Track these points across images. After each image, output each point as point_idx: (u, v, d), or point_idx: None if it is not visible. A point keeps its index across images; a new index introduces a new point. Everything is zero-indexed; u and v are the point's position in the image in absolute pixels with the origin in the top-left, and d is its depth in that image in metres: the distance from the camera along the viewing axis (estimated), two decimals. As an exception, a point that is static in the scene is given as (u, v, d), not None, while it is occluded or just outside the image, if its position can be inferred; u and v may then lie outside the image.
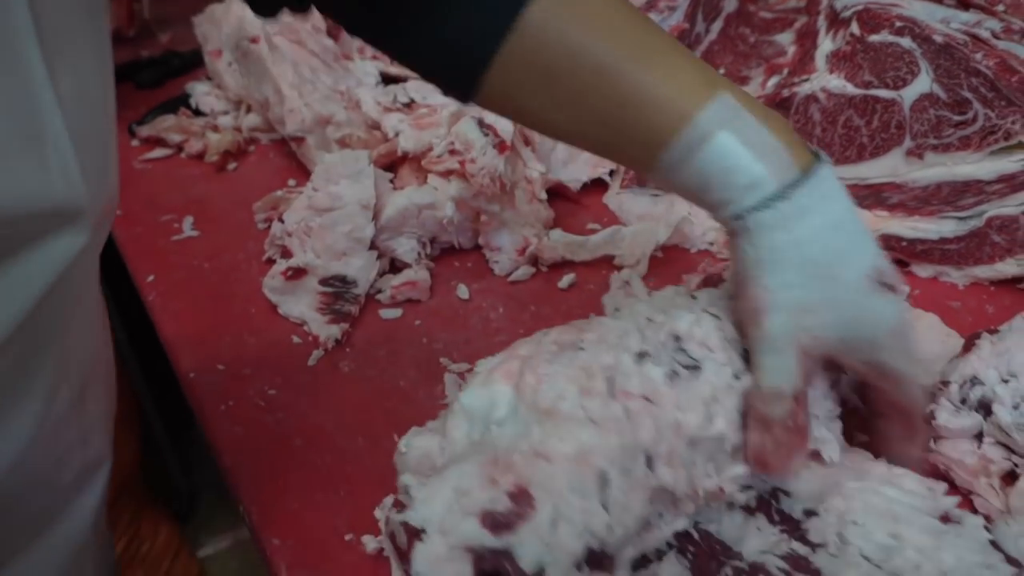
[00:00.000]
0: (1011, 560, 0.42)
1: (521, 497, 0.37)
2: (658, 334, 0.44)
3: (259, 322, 0.66)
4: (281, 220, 0.67)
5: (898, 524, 0.43)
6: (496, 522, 0.36)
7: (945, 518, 0.45)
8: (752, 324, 0.43)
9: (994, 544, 0.43)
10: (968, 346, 0.55)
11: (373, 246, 0.67)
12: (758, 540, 0.44)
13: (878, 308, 0.43)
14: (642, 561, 0.42)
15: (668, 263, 0.70)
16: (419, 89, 0.80)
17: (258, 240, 0.73)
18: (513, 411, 0.40)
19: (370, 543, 0.46)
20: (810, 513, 0.45)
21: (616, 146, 0.46)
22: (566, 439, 0.39)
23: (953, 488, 0.50)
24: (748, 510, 0.45)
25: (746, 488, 0.44)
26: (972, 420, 0.52)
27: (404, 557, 0.36)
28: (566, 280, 0.68)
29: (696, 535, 0.44)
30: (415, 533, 0.36)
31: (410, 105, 0.78)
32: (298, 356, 0.62)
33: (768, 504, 0.46)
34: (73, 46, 0.32)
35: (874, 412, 0.50)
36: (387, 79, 0.89)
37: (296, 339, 0.64)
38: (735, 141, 0.41)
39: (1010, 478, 0.51)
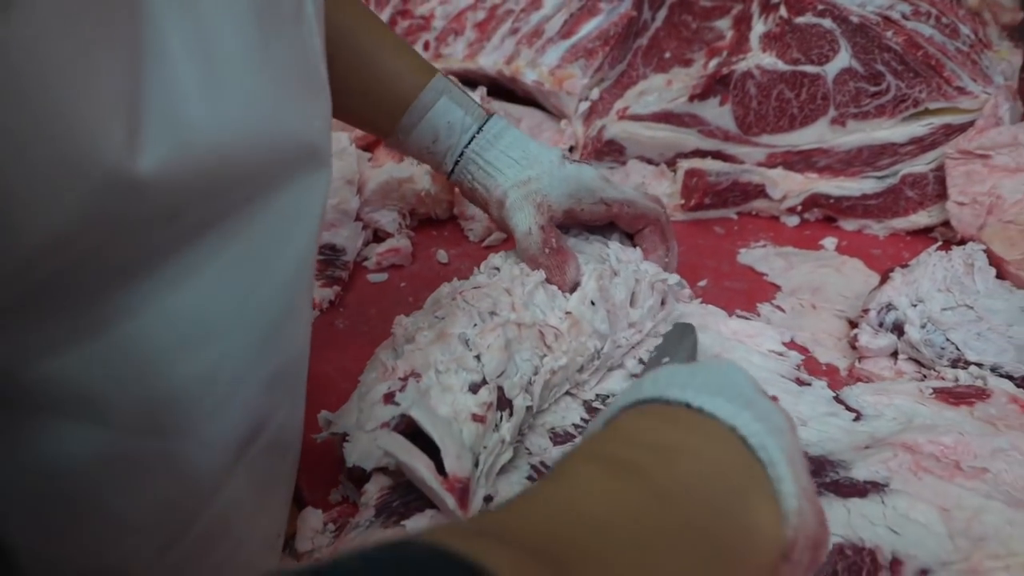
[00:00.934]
0: (851, 409, 0.54)
1: (410, 375, 0.49)
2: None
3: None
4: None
5: (764, 386, 0.54)
6: (394, 395, 0.49)
7: (800, 382, 0.57)
8: (500, 208, 0.60)
9: (837, 399, 0.55)
10: (883, 279, 0.64)
11: (358, 218, 0.73)
12: None
13: (574, 172, 0.61)
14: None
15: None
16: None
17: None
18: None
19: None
20: None
21: (367, 115, 0.63)
22: (429, 330, 0.53)
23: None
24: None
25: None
26: (888, 340, 0.61)
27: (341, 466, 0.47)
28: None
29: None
30: (342, 437, 0.48)
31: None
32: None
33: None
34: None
35: (635, 235, 0.65)
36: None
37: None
38: (452, 103, 0.61)
39: (921, 388, 0.60)
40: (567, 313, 0.56)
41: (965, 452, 0.49)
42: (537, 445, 0.52)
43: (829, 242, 0.75)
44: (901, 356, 0.61)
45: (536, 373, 0.52)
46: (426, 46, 0.96)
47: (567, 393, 0.56)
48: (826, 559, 0.41)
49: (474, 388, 0.48)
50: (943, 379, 0.58)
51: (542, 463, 0.50)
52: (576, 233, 0.64)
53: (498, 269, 0.59)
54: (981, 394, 0.53)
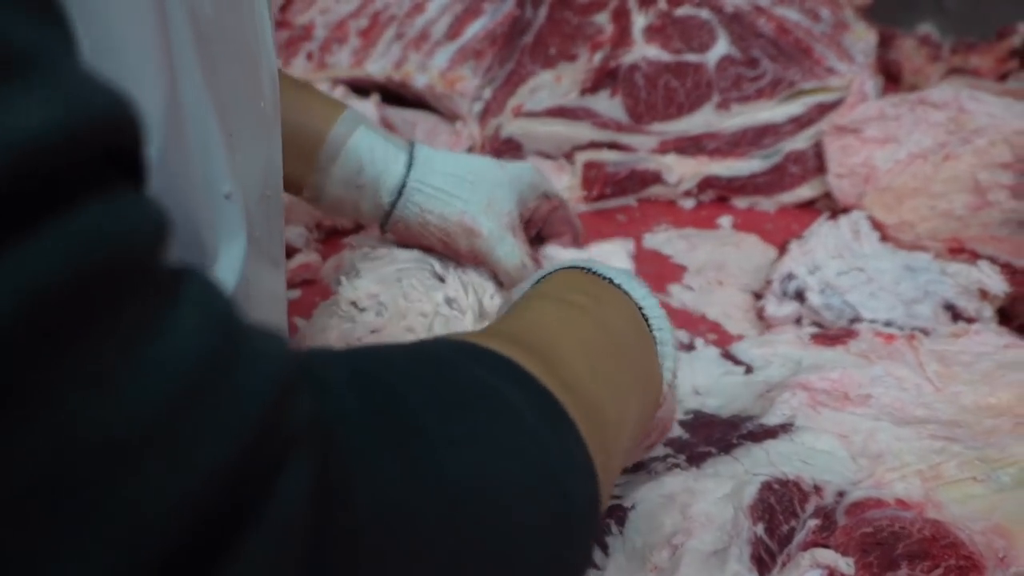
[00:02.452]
0: (741, 363, 0.58)
1: None
2: None
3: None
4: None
5: None
6: None
7: (686, 346, 0.61)
8: (472, 238, 0.56)
9: (726, 356, 0.59)
10: (782, 251, 0.69)
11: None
12: None
13: (516, 172, 0.60)
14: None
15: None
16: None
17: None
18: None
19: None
20: None
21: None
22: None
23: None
24: None
25: None
26: (792, 308, 0.66)
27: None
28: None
29: None
30: None
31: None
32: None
33: None
34: None
35: (550, 235, 0.67)
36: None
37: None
38: (370, 131, 0.57)
39: (826, 351, 0.65)
40: None
41: (850, 383, 0.53)
42: None
43: (725, 220, 0.80)
44: (805, 321, 0.66)
45: None
46: (309, 56, 0.94)
47: None
48: (758, 497, 0.45)
49: None
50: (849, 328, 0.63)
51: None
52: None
53: (381, 303, 0.54)
54: (850, 334, 0.58)
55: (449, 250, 0.58)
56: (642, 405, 0.38)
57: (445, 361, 0.29)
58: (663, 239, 0.77)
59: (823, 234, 0.67)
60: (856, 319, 0.64)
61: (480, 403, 0.27)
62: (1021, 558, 0.43)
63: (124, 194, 0.17)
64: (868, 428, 0.49)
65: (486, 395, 0.28)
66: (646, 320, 0.41)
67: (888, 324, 0.63)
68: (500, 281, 0.58)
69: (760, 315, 0.67)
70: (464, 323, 0.53)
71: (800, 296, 0.65)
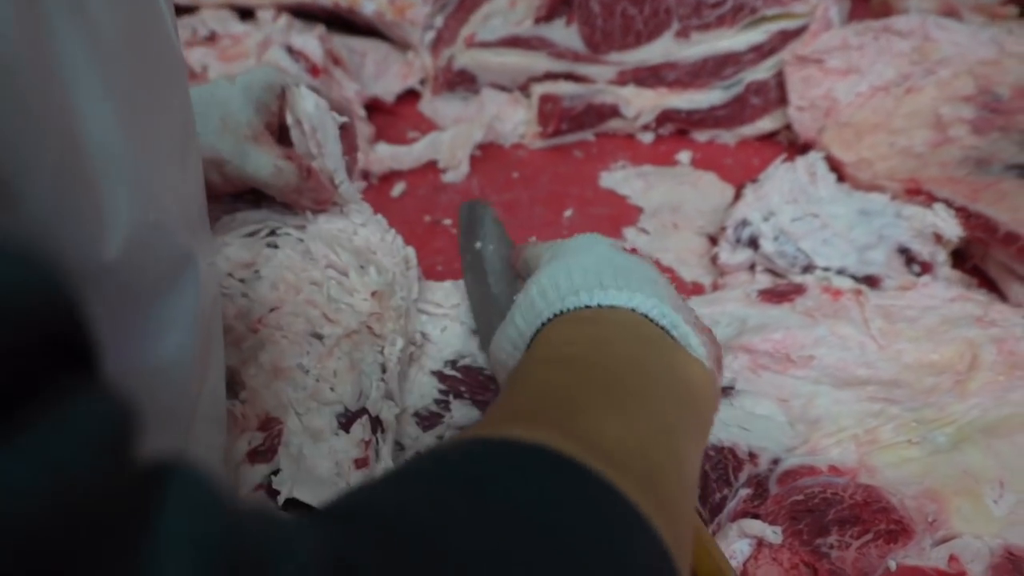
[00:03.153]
0: None
1: (267, 422, 0.47)
2: None
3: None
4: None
5: None
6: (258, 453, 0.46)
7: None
8: (219, 168, 0.51)
9: None
10: (737, 196, 0.67)
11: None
12: None
13: (246, 79, 0.54)
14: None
15: (486, 160, 0.77)
16: (219, 19, 0.80)
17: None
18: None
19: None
20: None
21: None
22: (253, 366, 0.48)
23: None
24: None
25: None
26: (745, 255, 0.65)
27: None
28: (398, 189, 0.74)
29: (459, 374, 0.55)
30: None
31: (213, 38, 0.79)
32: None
33: None
34: None
35: None
36: (178, 9, 0.87)
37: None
38: None
39: (778, 297, 0.65)
40: (372, 293, 0.52)
41: (793, 344, 0.53)
42: (407, 435, 0.51)
43: (684, 156, 0.78)
44: (758, 268, 0.65)
45: (385, 371, 0.48)
46: (250, -22, 0.88)
47: (419, 371, 0.54)
48: None
49: (343, 423, 0.45)
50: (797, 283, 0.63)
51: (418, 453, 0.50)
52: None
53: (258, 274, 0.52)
54: (798, 290, 0.58)
55: (231, 188, 0.54)
56: (683, 415, 0.34)
57: (478, 479, 0.24)
58: (620, 178, 0.75)
59: (779, 177, 0.66)
60: (809, 266, 0.63)
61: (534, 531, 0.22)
62: (950, 521, 0.44)
63: (72, 396, 0.14)
64: (808, 392, 0.49)
65: (535, 518, 0.23)
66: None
67: (841, 272, 0.63)
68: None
69: (714, 261, 0.66)
70: (352, 282, 0.52)
71: (754, 243, 0.65)
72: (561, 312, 0.37)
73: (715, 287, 0.66)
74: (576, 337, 0.35)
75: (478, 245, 0.58)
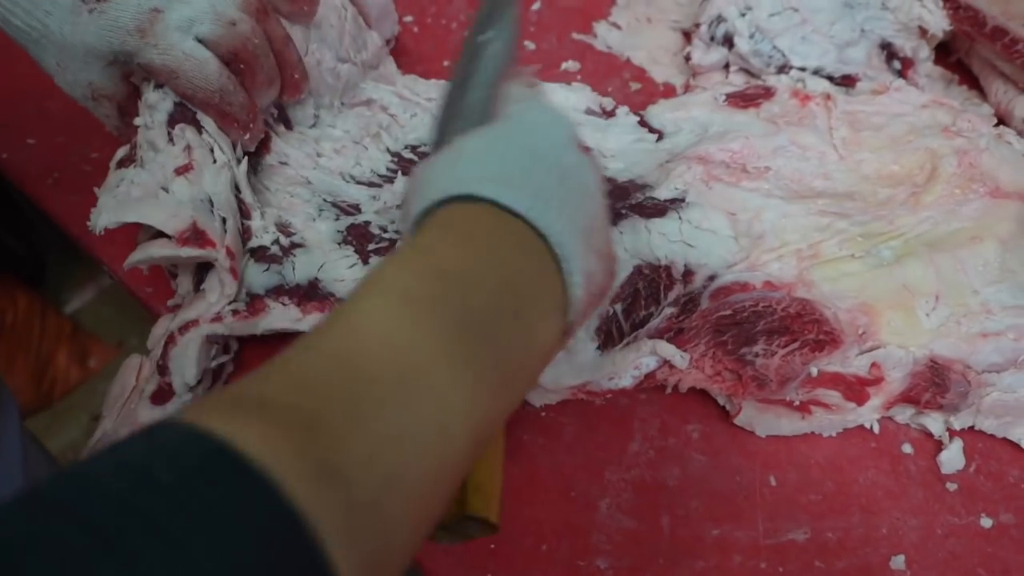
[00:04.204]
0: (653, 130, 0.57)
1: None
2: None
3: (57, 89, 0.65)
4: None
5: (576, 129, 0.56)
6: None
7: (605, 112, 0.58)
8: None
9: (641, 123, 0.58)
10: (714, -12, 0.64)
11: None
12: None
13: None
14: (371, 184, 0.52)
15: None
16: None
17: None
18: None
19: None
20: None
21: None
22: None
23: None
24: None
25: None
26: (720, 54, 0.63)
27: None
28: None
29: (417, 158, 0.55)
30: None
31: None
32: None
33: None
34: None
35: None
36: None
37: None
38: None
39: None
40: None
41: (750, 154, 0.54)
42: (326, 186, 0.52)
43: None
44: (732, 68, 0.64)
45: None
46: None
47: (375, 144, 0.55)
48: (627, 280, 0.48)
49: (171, 120, 0.47)
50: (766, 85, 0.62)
51: (343, 202, 0.51)
52: None
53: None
54: (766, 93, 0.58)
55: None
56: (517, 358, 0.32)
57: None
58: (591, -38, 0.71)
59: (760, -36, 0.62)
60: (785, 66, 0.62)
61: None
62: (880, 334, 0.47)
63: None
64: (757, 206, 0.50)
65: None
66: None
67: (817, 72, 0.61)
68: None
69: (687, 59, 0.64)
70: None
71: (728, 41, 0.62)
72: (447, 198, 0.34)
73: (687, 88, 0.65)
74: (441, 260, 0.32)
75: (482, 37, 0.53)
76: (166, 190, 0.45)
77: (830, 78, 0.61)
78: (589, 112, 0.58)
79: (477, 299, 0.31)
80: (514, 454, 0.47)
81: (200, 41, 0.46)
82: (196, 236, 0.44)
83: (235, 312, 0.45)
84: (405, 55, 0.66)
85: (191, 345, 0.45)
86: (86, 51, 0.46)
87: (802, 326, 0.47)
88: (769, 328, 0.47)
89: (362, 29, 0.59)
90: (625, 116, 0.58)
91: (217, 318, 0.45)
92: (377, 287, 0.31)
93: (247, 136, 0.50)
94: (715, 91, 0.58)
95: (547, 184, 0.35)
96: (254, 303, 0.46)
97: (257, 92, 0.50)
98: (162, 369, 0.45)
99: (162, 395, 0.45)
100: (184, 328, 0.45)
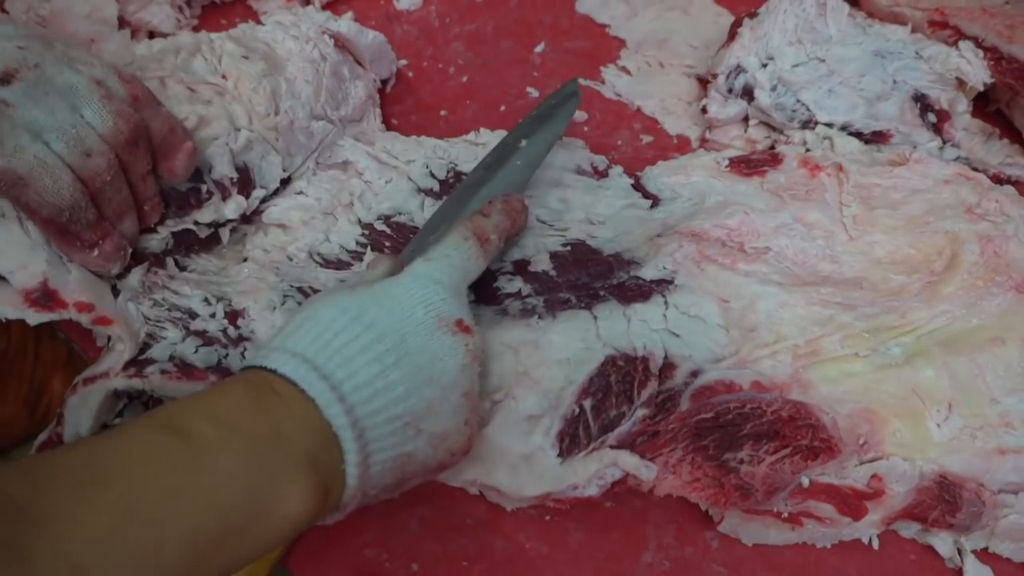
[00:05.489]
0: (648, 196, 0.57)
1: None
2: None
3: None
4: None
5: (565, 191, 0.56)
6: None
7: (597, 172, 0.58)
8: None
9: (635, 187, 0.57)
10: (732, 34, 0.63)
11: (123, 24, 0.68)
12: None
13: None
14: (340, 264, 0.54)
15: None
16: None
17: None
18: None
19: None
20: None
21: None
22: None
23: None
24: (435, 195, 0.57)
25: None
26: (739, 107, 0.62)
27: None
28: (345, 17, 0.71)
29: (389, 229, 0.55)
30: None
31: None
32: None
33: (453, 188, 0.57)
34: None
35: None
36: None
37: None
38: None
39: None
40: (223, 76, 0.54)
41: (749, 232, 0.53)
42: (295, 274, 0.52)
43: (679, -29, 0.72)
44: (752, 121, 0.63)
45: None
46: None
47: (346, 215, 0.56)
48: (597, 371, 0.47)
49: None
50: (791, 143, 0.61)
51: (309, 288, 0.52)
52: None
53: None
54: (774, 160, 0.56)
55: None
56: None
57: None
58: (599, 0, 0.71)
59: (782, 10, 0.61)
60: (809, 121, 0.61)
61: None
62: (883, 444, 0.46)
63: None
64: (752, 293, 0.49)
65: None
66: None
67: (845, 128, 0.60)
68: None
69: (703, 112, 0.64)
70: None
71: (748, 93, 0.62)
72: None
73: (703, 142, 0.64)
74: (224, 410, 0.36)
75: (521, 143, 0.55)
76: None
77: (859, 134, 0.60)
78: (580, 172, 0.58)
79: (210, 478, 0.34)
80: (512, 564, 0.47)
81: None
82: (46, 297, 0.44)
83: (164, 371, 0.46)
84: (398, 101, 0.67)
85: (91, 396, 0.46)
86: None
87: (795, 431, 0.46)
88: (757, 432, 0.46)
89: (343, 82, 0.60)
90: (618, 177, 0.57)
91: (136, 374, 0.46)
92: (158, 418, 0.35)
93: (95, 254, 0.47)
94: (718, 155, 0.57)
95: (371, 367, 0.38)
96: (188, 369, 0.46)
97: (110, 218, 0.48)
98: (59, 417, 0.47)
99: (51, 444, 0.47)
100: (91, 379, 0.46)
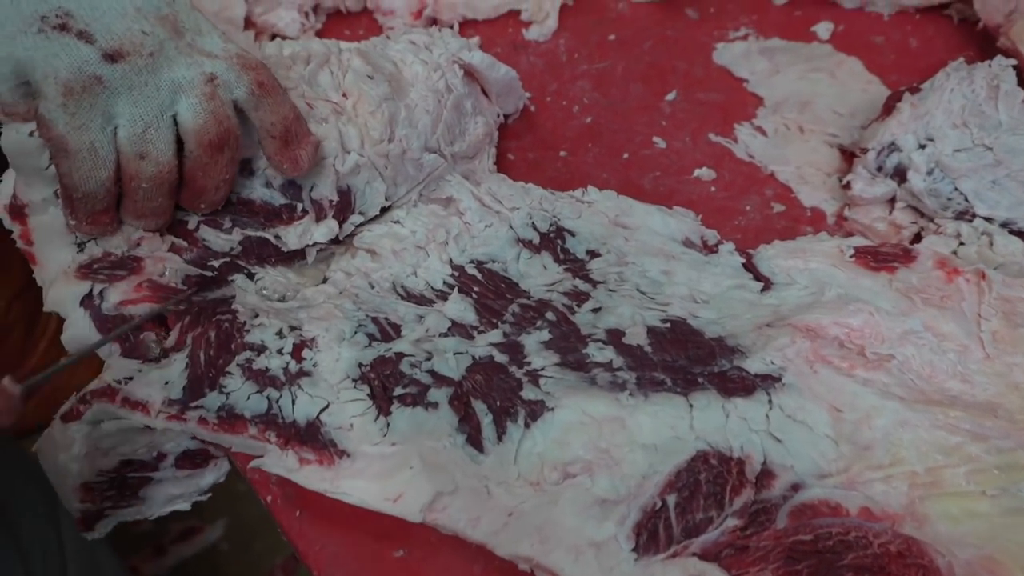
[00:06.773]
0: (760, 277, 0.55)
1: None
2: None
3: None
4: None
5: (669, 261, 0.55)
6: None
7: (706, 247, 0.57)
8: None
9: (746, 267, 0.55)
10: (888, 108, 0.61)
11: (248, 25, 0.71)
12: (543, 278, 0.55)
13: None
14: (423, 300, 0.54)
15: (579, 13, 0.74)
16: None
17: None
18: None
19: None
20: (593, 254, 0.56)
21: None
22: None
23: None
24: (533, 248, 0.56)
25: None
26: (887, 188, 0.60)
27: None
28: (474, 43, 0.73)
29: (479, 275, 0.55)
30: None
31: None
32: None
33: (553, 243, 0.57)
34: None
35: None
36: None
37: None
38: None
39: (917, 240, 0.60)
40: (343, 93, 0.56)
41: (873, 336, 0.50)
42: (374, 303, 0.53)
43: (823, 28, 0.72)
44: (899, 204, 0.60)
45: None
46: None
47: (439, 252, 0.56)
48: (687, 466, 0.45)
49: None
50: (942, 233, 0.58)
51: (385, 320, 0.52)
52: None
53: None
54: (906, 256, 0.54)
55: None
56: None
57: None
58: (739, 52, 0.70)
59: (948, 89, 0.59)
60: (966, 212, 0.58)
61: None
62: (1002, 600, 0.43)
63: None
64: (869, 405, 0.47)
65: None
66: None
67: (1006, 224, 0.57)
68: None
69: (846, 187, 0.62)
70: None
71: (900, 174, 0.59)
72: None
73: (839, 220, 0.62)
74: None
75: None
76: None
77: (1021, 234, 0.57)
78: (687, 244, 0.57)
79: None
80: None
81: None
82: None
83: (202, 420, 0.47)
84: (517, 136, 0.68)
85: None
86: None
87: (903, 570, 0.43)
88: (859, 564, 0.44)
89: (464, 116, 0.61)
90: (729, 255, 0.56)
91: (177, 416, 0.47)
92: None
93: (73, 223, 0.50)
94: (842, 241, 0.55)
95: None
96: (232, 421, 0.48)
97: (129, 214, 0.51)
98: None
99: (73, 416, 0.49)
100: (129, 402, 0.48)
